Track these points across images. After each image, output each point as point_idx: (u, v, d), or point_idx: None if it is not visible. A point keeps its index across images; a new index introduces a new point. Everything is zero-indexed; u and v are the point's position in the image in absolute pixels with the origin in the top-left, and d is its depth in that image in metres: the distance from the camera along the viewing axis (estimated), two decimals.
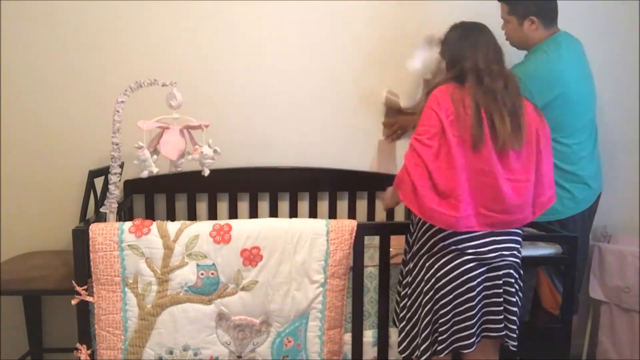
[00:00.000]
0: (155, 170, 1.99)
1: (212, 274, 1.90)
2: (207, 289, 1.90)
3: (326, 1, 2.56)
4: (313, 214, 2.65)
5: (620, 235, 2.67)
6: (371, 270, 2.13)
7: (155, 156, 2.03)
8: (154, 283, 1.88)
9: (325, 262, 1.95)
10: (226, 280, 1.91)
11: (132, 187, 2.51)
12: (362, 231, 2.00)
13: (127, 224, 1.87)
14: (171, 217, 2.56)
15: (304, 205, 2.66)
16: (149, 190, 2.54)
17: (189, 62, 2.50)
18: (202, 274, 1.89)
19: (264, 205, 2.65)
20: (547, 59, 2.19)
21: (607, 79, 2.45)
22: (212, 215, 2.60)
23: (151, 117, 1.96)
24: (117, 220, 2.05)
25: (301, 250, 1.94)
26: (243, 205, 2.63)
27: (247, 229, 1.91)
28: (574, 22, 2.33)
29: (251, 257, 1.91)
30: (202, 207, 2.61)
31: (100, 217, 2.05)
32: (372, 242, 2.34)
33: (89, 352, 1.89)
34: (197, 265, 1.89)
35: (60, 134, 2.41)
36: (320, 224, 1.96)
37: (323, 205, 2.68)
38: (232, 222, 1.92)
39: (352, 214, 2.68)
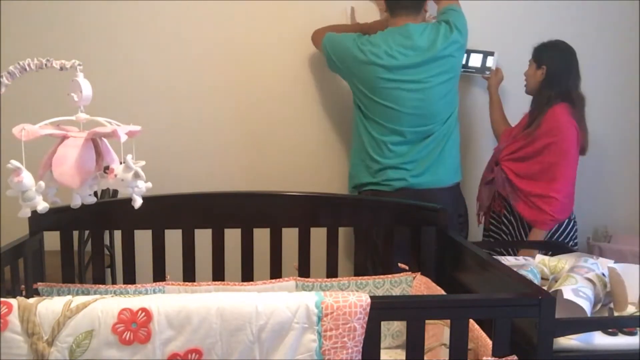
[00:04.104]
0: (42, 206, 1.25)
1: None
2: None
3: None
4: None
5: (620, 235, 2.64)
6: None
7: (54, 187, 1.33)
8: None
9: None
10: None
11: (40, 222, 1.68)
12: (378, 314, 1.17)
13: None
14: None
15: None
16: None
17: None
18: None
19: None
20: None
21: (607, 79, 2.39)
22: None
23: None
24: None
25: (274, 351, 1.13)
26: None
27: (178, 317, 1.11)
28: (573, 22, 2.34)
29: None
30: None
31: None
32: None
33: None
34: None
35: None
36: (306, 301, 1.14)
37: None
38: (153, 301, 1.11)
39: None
